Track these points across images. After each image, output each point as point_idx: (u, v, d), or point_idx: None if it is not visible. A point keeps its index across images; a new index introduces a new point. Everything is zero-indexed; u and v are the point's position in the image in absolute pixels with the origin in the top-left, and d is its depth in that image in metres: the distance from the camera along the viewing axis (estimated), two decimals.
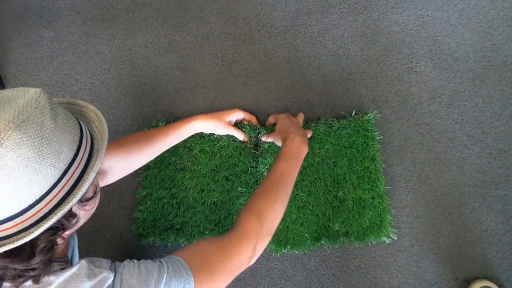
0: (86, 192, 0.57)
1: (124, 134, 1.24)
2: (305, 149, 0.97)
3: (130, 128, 1.24)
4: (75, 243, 0.86)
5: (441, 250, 1.08)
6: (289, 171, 0.91)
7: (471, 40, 1.17)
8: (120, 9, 1.32)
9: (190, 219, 1.15)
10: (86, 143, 0.57)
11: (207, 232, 1.13)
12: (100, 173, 0.87)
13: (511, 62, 1.14)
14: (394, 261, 1.09)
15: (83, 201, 0.58)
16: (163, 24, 1.30)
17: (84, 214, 0.61)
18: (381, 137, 1.14)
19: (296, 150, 0.95)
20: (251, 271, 1.13)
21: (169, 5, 1.30)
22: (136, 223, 1.18)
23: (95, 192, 0.60)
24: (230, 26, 1.27)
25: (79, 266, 0.60)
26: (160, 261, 0.66)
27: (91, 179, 0.55)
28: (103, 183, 0.90)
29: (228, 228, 1.13)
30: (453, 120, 1.13)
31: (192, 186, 1.16)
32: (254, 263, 1.12)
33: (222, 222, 1.14)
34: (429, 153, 1.13)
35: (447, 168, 1.11)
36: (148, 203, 1.17)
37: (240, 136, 1.14)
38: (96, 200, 0.63)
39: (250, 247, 0.76)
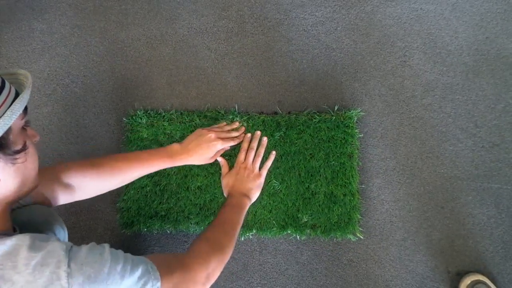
0: (13, 143, 0.59)
1: (117, 128, 1.23)
2: (248, 202, 1.03)
3: (122, 122, 1.23)
4: (64, 239, 0.85)
5: (433, 243, 1.08)
6: (237, 219, 0.97)
7: (464, 33, 1.16)
8: (112, 1, 1.31)
9: (175, 205, 1.15)
10: (7, 97, 0.59)
11: (192, 217, 1.14)
12: (67, 187, 0.89)
13: (504, 55, 1.14)
14: (386, 255, 1.09)
15: (10, 153, 0.59)
16: (155, 17, 1.29)
17: (16, 172, 0.61)
18: (361, 135, 1.14)
19: (242, 204, 1.01)
20: (243, 265, 1.13)
21: None
22: (120, 213, 1.17)
23: (23, 146, 0.61)
24: (223, 19, 1.26)
25: (19, 237, 0.58)
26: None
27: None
28: (72, 198, 0.91)
29: (214, 211, 1.14)
30: (446, 113, 1.13)
31: (174, 172, 1.16)
32: (246, 256, 1.12)
33: (208, 205, 1.14)
34: (422, 147, 1.12)
35: (440, 162, 1.11)
36: (131, 192, 1.17)
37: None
38: (28, 158, 0.62)
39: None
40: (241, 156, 1.12)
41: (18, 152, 0.60)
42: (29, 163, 0.63)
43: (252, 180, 1.07)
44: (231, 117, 1.17)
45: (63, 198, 0.89)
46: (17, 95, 0.61)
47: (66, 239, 0.85)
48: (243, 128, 1.15)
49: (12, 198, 0.64)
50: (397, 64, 1.17)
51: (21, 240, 0.57)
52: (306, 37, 1.22)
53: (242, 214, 0.99)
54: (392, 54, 1.18)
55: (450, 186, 1.10)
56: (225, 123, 1.16)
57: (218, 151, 1.09)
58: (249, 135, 1.14)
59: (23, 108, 0.60)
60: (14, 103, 0.58)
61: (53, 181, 0.87)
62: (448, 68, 1.15)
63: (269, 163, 1.12)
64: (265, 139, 1.13)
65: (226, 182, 1.08)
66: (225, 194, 1.08)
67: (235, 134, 1.13)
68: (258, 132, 1.14)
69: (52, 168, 0.89)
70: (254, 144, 1.13)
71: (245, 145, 1.13)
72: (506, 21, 1.16)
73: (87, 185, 0.92)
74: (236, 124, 1.15)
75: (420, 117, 1.14)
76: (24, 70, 0.67)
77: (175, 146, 1.07)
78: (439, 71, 1.15)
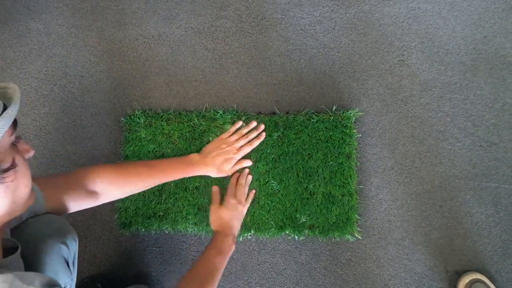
0: (0, 161, 0.55)
1: (115, 128, 1.23)
2: (233, 248, 1.00)
3: (120, 122, 1.23)
4: (75, 250, 0.83)
5: (432, 243, 1.08)
6: (218, 266, 0.94)
7: (462, 32, 1.16)
8: (109, 1, 1.31)
9: (173, 205, 1.15)
10: None
11: (190, 217, 1.14)
12: (92, 193, 0.90)
13: (502, 54, 1.14)
14: (385, 254, 1.09)
15: None
16: (153, 17, 1.28)
17: (5, 191, 0.57)
18: (359, 135, 1.14)
19: (227, 248, 0.98)
20: (242, 265, 1.13)
21: None
22: (118, 213, 1.17)
23: (12, 164, 0.57)
24: (221, 19, 1.26)
25: (1, 278, 0.53)
26: None
27: None
28: (94, 203, 0.91)
29: None
30: (444, 113, 1.13)
31: None
32: (245, 256, 1.12)
33: (206, 206, 1.14)
34: (420, 146, 1.12)
35: (438, 161, 1.11)
36: None
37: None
38: (19, 176, 0.58)
39: None
40: (230, 190, 1.12)
41: (6, 170, 0.56)
42: (20, 181, 0.59)
43: (239, 216, 1.08)
44: (229, 116, 1.17)
45: (86, 204, 0.89)
46: (5, 109, 0.57)
47: (76, 251, 0.84)
48: (262, 126, 1.14)
49: (4, 219, 0.60)
50: (395, 64, 1.17)
51: (1, 282, 0.53)
52: (304, 36, 1.22)
53: (226, 261, 0.97)
54: (390, 53, 1.18)
55: (448, 185, 1.10)
56: (241, 122, 1.16)
57: (237, 162, 1.11)
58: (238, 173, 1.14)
59: (9, 124, 0.56)
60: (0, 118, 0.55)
61: (78, 188, 0.87)
62: (446, 67, 1.15)
63: (249, 201, 1.12)
64: (249, 177, 1.13)
65: (219, 215, 1.06)
66: (213, 227, 1.05)
67: (254, 134, 1.13)
68: (247, 170, 1.14)
69: (78, 173, 0.89)
70: (242, 181, 1.12)
71: (233, 181, 1.13)
72: (504, 20, 1.16)
73: (111, 191, 0.94)
74: (253, 124, 1.15)
75: (418, 116, 1.14)
76: (13, 83, 0.63)
77: (194, 156, 1.10)
78: (437, 70, 1.15)
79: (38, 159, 1.24)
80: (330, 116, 1.13)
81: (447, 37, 1.17)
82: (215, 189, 1.13)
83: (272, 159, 1.13)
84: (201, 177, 1.14)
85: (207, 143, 1.16)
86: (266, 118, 1.15)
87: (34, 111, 1.26)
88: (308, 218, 1.10)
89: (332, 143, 1.12)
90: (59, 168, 1.23)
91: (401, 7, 1.20)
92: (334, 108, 1.15)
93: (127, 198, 1.16)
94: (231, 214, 1.06)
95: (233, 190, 1.11)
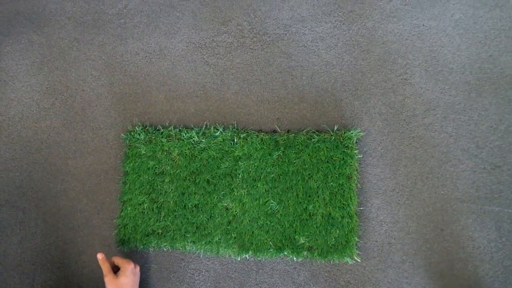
0: None
1: (115, 143, 1.23)
2: None
3: (120, 138, 1.22)
4: None
5: (432, 266, 1.06)
6: None
7: (467, 51, 1.14)
8: (111, 15, 1.30)
9: (172, 223, 1.15)
10: None
11: (189, 236, 1.13)
12: None
13: (508, 74, 1.11)
14: (384, 277, 1.07)
15: None
16: (154, 31, 1.27)
17: None
18: (360, 155, 1.12)
19: None
20: (240, 285, 1.12)
21: (161, 12, 1.28)
22: (117, 229, 1.17)
23: None
24: (222, 34, 1.25)
25: None
26: None
27: None
28: None
29: (210, 232, 1.13)
30: (448, 133, 1.11)
31: (172, 189, 1.16)
32: (243, 276, 1.12)
33: (204, 225, 1.13)
34: (423, 167, 1.10)
35: (440, 183, 1.09)
36: (128, 209, 1.17)
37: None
38: None
39: None
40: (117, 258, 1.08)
41: None
42: None
43: (138, 279, 1.07)
44: (229, 134, 1.16)
45: None
46: None
47: None
48: None
49: None
50: (398, 82, 1.15)
51: None
52: (306, 53, 1.20)
53: None
54: (393, 71, 1.16)
55: (450, 208, 1.08)
56: None
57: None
58: None
59: None
60: None
61: None
62: (450, 86, 1.13)
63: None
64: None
65: (119, 286, 1.02)
66: None
67: None
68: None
69: None
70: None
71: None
72: (510, 39, 1.13)
73: None
74: None
75: (420, 136, 1.12)
76: None
77: None
78: (441, 90, 1.13)
79: (39, 173, 1.24)
80: (331, 136, 1.12)
81: (452, 56, 1.14)
82: (100, 256, 1.06)
83: (272, 178, 1.12)
84: (201, 195, 1.14)
85: (207, 160, 1.15)
86: (266, 137, 1.14)
87: (35, 125, 1.27)
88: (307, 239, 1.09)
89: (333, 164, 1.10)
90: (59, 183, 1.23)
91: (405, 24, 1.17)
92: (335, 127, 1.13)
93: (126, 215, 1.16)
94: (132, 280, 1.04)
95: (120, 257, 1.08)
